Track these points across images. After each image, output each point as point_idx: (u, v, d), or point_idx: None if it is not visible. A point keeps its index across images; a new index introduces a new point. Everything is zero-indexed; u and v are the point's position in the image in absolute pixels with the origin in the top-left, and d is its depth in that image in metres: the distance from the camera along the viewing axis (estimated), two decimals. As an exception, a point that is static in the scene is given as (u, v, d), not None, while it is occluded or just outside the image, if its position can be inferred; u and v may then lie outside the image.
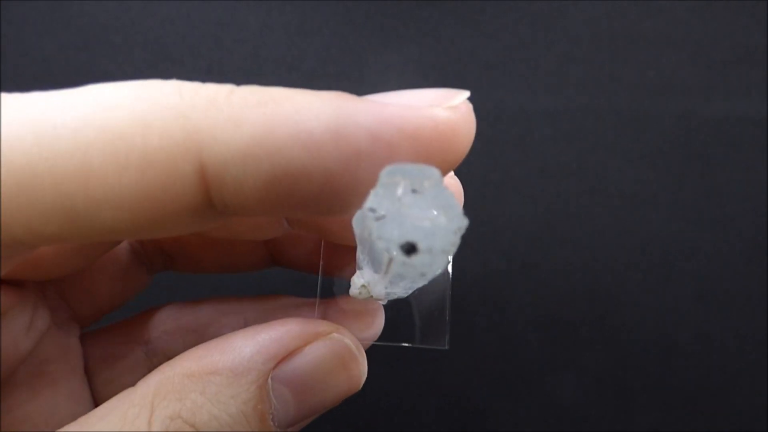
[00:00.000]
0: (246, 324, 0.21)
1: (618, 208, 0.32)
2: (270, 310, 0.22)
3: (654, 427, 0.31)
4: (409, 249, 0.11)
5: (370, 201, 0.11)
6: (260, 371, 0.15)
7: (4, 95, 0.13)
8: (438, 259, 0.11)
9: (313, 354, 0.16)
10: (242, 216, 0.13)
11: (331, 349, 0.16)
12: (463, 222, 0.11)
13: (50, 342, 0.19)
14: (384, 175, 0.11)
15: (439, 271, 0.13)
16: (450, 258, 0.19)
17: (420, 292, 0.19)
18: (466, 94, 0.13)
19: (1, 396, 0.18)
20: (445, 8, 0.34)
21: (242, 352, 0.15)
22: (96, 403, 0.20)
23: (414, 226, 0.11)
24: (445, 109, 0.12)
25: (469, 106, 0.13)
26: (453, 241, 0.11)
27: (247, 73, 0.33)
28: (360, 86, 0.33)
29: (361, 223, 0.13)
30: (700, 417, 0.31)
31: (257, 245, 0.21)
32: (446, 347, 0.20)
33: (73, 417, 0.18)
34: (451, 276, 0.20)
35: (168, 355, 0.21)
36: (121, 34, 0.33)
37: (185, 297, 0.30)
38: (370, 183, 0.12)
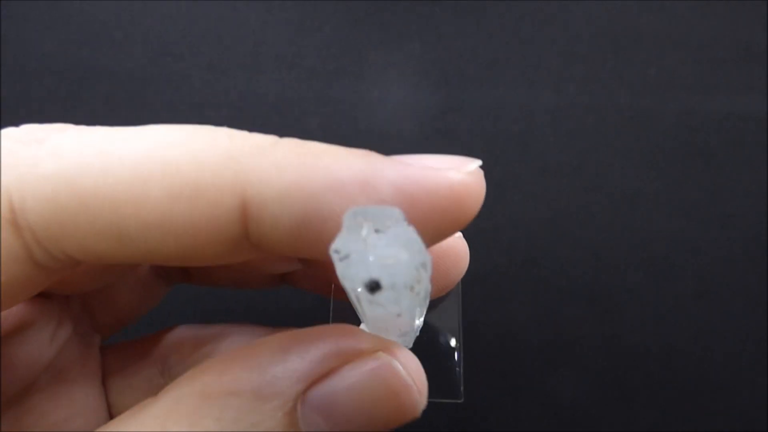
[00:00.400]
0: None
1: (619, 205, 0.32)
2: None
3: (654, 425, 0.31)
4: (373, 286, 0.12)
5: (335, 243, 0.12)
6: (288, 395, 0.13)
7: (78, 127, 0.14)
8: (403, 295, 0.12)
9: (353, 378, 0.14)
10: (273, 251, 0.14)
11: (375, 372, 0.14)
12: (426, 257, 0.12)
13: (71, 350, 0.20)
14: (347, 217, 0.12)
15: (410, 311, 0.13)
16: (459, 308, 0.20)
17: (429, 338, 0.19)
18: (479, 162, 0.15)
19: (20, 402, 0.18)
20: (446, 5, 0.34)
21: (268, 370, 0.13)
22: (110, 415, 0.21)
23: (377, 264, 0.12)
24: (459, 173, 0.14)
25: (481, 173, 0.15)
26: (416, 277, 0.12)
27: (248, 70, 0.33)
28: (360, 83, 0.33)
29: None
30: (701, 416, 0.31)
31: None
32: (461, 400, 0.19)
33: (88, 426, 0.20)
34: (461, 318, 0.20)
35: None
36: (122, 31, 0.33)
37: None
38: None
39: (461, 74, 0.33)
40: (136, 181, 0.13)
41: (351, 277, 0.12)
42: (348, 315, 0.18)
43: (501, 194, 0.32)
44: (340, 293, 0.19)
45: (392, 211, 0.12)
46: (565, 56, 0.33)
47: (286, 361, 0.14)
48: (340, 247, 0.12)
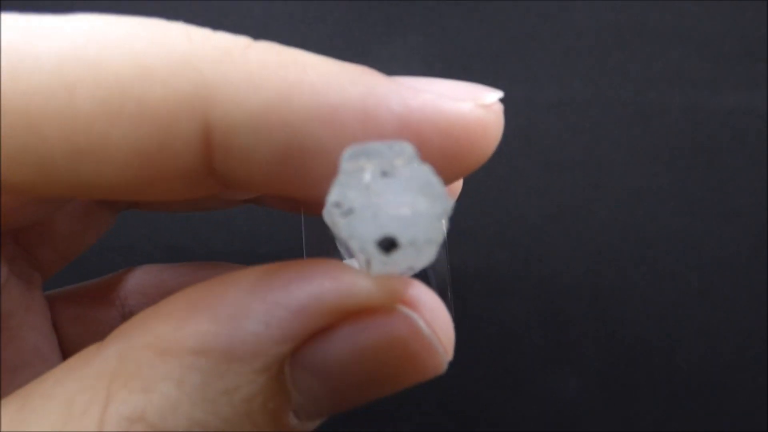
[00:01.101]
0: None
1: (622, 200, 0.32)
2: None
3: (656, 422, 0.31)
4: (388, 245, 0.10)
5: (334, 194, 0.10)
6: (270, 356, 0.10)
7: None
8: (425, 252, 0.10)
9: (356, 336, 0.11)
10: (242, 188, 0.12)
11: (387, 332, 0.11)
12: (449, 203, 0.10)
13: (10, 295, 0.17)
14: (345, 159, 0.10)
15: (430, 260, 0.11)
16: (446, 249, 0.17)
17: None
18: (500, 94, 0.12)
19: None
20: (450, -1, 0.33)
21: (242, 325, 0.10)
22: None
23: (390, 217, 0.09)
24: (478, 107, 0.11)
25: (501, 107, 0.12)
26: (439, 228, 0.10)
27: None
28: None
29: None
30: (702, 413, 0.31)
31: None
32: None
33: (40, 374, 0.17)
34: (447, 248, 0.17)
35: None
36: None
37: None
38: None
39: (465, 68, 0.33)
40: (58, 90, 0.10)
41: (359, 236, 0.10)
42: (323, 234, 0.15)
43: (504, 189, 0.32)
44: (311, 209, 0.16)
45: (402, 146, 0.10)
46: (569, 51, 0.33)
47: (268, 313, 0.10)
48: (340, 198, 0.10)
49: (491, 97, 0.12)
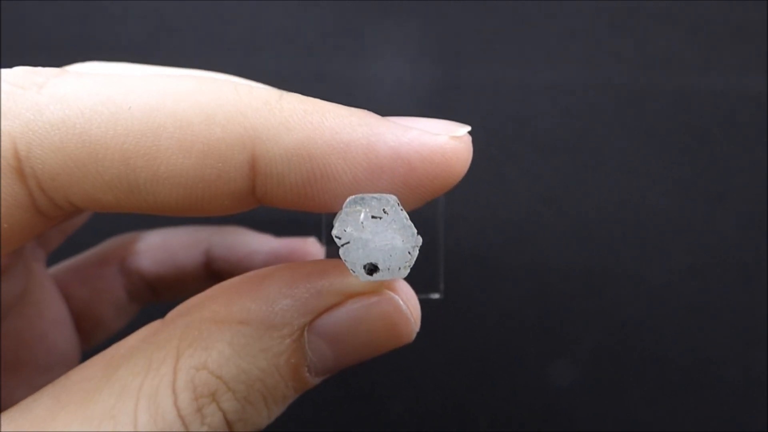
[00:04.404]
0: (207, 253, 0.24)
1: (615, 183, 0.32)
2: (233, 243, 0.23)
3: (648, 402, 0.31)
4: (371, 269, 0.14)
5: (336, 229, 0.14)
6: (295, 325, 0.14)
7: (76, 71, 0.14)
8: (398, 274, 0.14)
9: (356, 311, 0.15)
10: (275, 205, 0.15)
11: (377, 308, 0.15)
12: (417, 241, 0.14)
13: (32, 273, 0.21)
14: (347, 204, 0.14)
15: (403, 277, 0.15)
16: (443, 206, 0.21)
17: None
18: (467, 128, 0.16)
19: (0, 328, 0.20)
20: (445, -18, 0.33)
21: (276, 303, 0.14)
22: (75, 322, 0.23)
23: (375, 249, 0.13)
24: (452, 139, 0.15)
25: (469, 138, 0.16)
26: (408, 259, 0.14)
27: (246, 45, 0.33)
28: (358, 60, 0.33)
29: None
30: (694, 392, 0.31)
31: None
32: (440, 296, 0.20)
33: (64, 337, 0.22)
34: (444, 219, 0.20)
35: (141, 273, 0.24)
36: (120, 5, 0.33)
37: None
38: (385, 190, 0.15)
39: (459, 52, 0.33)
40: (147, 133, 0.13)
41: (352, 260, 0.14)
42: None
43: (498, 172, 0.32)
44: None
45: (388, 198, 0.14)
46: (563, 34, 0.33)
47: (294, 295, 0.14)
48: (340, 233, 0.13)
49: (461, 131, 0.16)
